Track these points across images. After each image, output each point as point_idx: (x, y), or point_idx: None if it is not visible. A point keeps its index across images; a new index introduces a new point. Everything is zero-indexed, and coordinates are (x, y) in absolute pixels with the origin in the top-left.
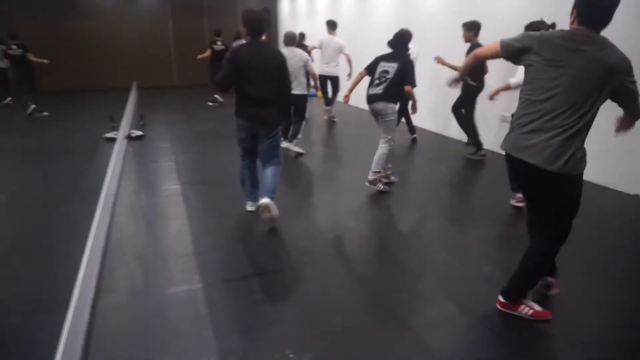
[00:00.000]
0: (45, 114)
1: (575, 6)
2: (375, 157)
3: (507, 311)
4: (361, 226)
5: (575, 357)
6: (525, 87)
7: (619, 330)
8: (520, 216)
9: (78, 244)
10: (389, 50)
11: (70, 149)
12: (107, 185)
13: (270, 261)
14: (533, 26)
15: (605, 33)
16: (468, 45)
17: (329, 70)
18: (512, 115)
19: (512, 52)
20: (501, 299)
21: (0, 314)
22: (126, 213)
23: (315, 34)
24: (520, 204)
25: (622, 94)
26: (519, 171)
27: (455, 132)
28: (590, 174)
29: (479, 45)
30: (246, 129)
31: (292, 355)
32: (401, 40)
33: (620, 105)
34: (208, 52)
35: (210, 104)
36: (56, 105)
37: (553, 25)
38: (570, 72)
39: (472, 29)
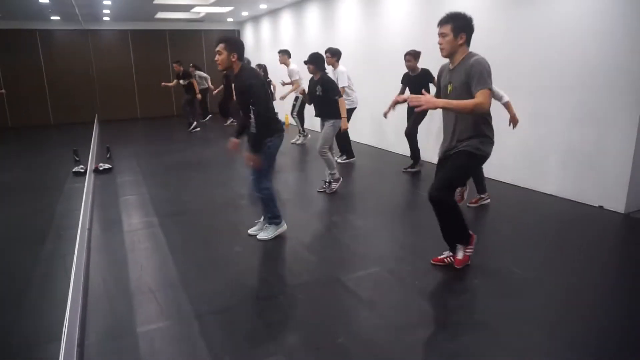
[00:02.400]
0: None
1: (463, 31)
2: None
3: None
4: (361, 247)
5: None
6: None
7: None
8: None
9: (58, 281)
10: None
11: (36, 187)
12: (81, 221)
13: (262, 288)
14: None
15: (602, 34)
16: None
17: None
18: None
19: None
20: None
21: None
22: (103, 249)
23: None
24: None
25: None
26: None
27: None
28: (555, 186)
29: (426, 70)
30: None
31: None
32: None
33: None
34: (174, 82)
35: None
36: (19, 142)
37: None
38: None
39: (417, 57)
